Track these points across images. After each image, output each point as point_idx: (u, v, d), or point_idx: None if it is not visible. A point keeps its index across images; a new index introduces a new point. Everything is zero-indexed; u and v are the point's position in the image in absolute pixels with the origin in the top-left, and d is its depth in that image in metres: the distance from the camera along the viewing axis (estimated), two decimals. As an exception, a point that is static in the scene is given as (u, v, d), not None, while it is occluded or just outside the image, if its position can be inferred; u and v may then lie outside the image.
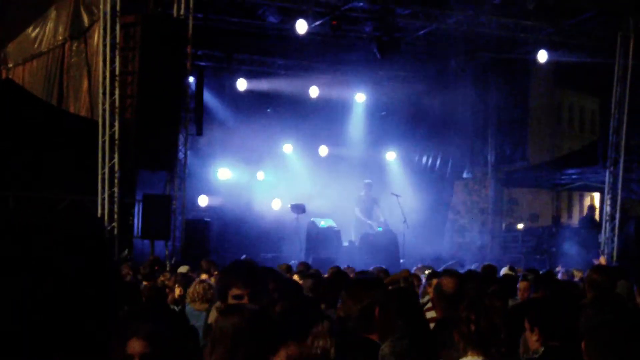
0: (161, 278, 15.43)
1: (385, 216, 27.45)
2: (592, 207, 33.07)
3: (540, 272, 14.16)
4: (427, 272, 17.45)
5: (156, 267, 17.67)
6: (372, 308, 5.66)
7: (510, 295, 11.50)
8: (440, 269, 16.31)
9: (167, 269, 19.57)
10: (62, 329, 1.40)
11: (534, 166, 32.60)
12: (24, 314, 1.38)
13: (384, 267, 16.23)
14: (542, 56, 27.14)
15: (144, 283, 14.03)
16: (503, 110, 32.01)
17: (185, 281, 13.35)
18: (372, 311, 5.65)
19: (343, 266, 17.16)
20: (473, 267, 16.61)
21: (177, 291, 12.81)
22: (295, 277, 12.48)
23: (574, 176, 30.14)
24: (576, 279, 16.39)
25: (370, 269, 16.37)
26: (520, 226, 33.30)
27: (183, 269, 16.51)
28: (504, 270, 16.56)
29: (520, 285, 12.37)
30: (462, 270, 15.09)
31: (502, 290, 10.70)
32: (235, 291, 5.53)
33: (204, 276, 14.20)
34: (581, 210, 34.36)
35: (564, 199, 41.51)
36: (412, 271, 16.76)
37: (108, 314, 1.50)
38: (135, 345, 4.97)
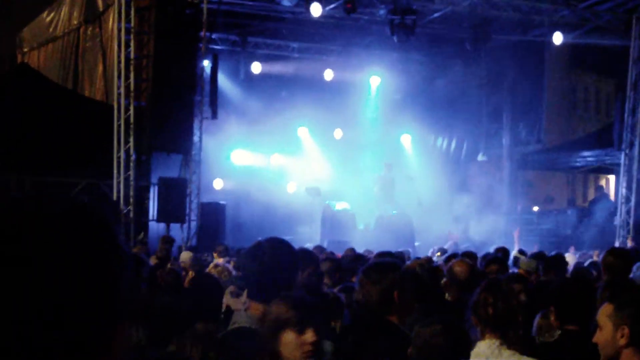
0: (182, 257, 15.51)
1: (400, 198, 27.45)
2: (601, 188, 33.04)
3: (548, 256, 14.08)
4: (437, 254, 17.53)
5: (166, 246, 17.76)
6: (391, 291, 5.67)
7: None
8: (455, 252, 16.30)
9: (183, 250, 19.63)
10: (63, 323, 1.38)
11: (549, 148, 32.49)
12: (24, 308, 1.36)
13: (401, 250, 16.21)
14: (557, 38, 27.02)
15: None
16: (518, 93, 31.91)
17: (199, 265, 13.40)
18: (391, 294, 5.66)
19: (358, 249, 17.20)
20: (492, 250, 16.56)
21: (190, 275, 12.86)
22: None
23: (589, 158, 30.01)
24: (595, 259, 16.32)
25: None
26: (535, 208, 33.22)
27: (186, 255, 16.48)
28: (513, 254, 16.53)
29: (519, 271, 12.35)
30: (477, 253, 15.11)
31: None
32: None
33: (220, 260, 14.23)
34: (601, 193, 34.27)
35: (579, 181, 41.38)
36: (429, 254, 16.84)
37: (116, 302, 1.48)
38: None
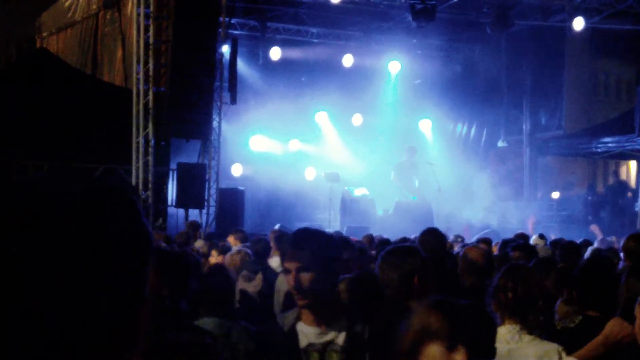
0: (196, 244, 15.46)
1: (420, 184, 27.36)
2: (617, 174, 32.89)
3: (568, 242, 13.97)
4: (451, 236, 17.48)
5: (196, 232, 17.74)
6: (411, 275, 5.62)
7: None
8: (474, 239, 16.26)
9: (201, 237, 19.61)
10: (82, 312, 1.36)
11: (570, 134, 32.33)
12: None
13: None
14: (579, 24, 26.88)
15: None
16: (538, 79, 31.83)
17: (223, 249, 13.35)
18: (411, 279, 5.61)
19: (377, 235, 17.16)
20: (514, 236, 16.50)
21: (214, 259, 12.81)
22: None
23: (610, 144, 29.82)
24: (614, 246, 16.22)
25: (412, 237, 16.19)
26: (555, 195, 33.11)
27: (199, 243, 16.35)
28: (533, 239, 16.47)
29: (540, 252, 12.32)
30: (496, 240, 15.04)
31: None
32: (286, 264, 4.93)
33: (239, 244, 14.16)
34: (617, 180, 34.11)
35: (600, 167, 41.18)
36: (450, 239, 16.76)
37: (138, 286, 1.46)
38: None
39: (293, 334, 4.69)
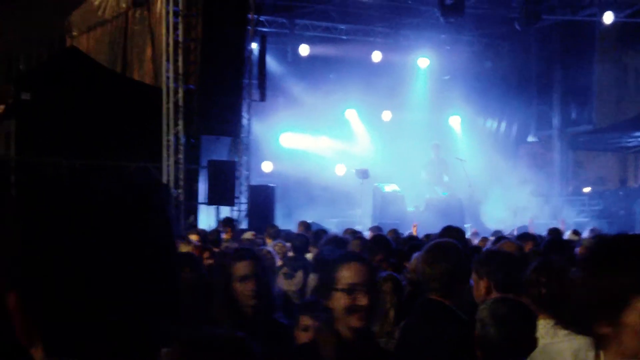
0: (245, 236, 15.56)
1: (450, 180, 27.34)
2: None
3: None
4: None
5: (228, 229, 17.81)
6: (454, 271, 5.58)
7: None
8: (507, 233, 16.21)
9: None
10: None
11: (600, 129, 32.17)
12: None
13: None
14: (608, 18, 26.74)
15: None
16: (568, 73, 31.69)
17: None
18: (454, 275, 5.57)
19: (408, 231, 17.13)
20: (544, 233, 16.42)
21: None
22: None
23: (641, 139, 29.71)
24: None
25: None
26: (586, 190, 32.97)
27: (248, 235, 16.53)
28: (567, 235, 16.41)
29: (580, 249, 12.25)
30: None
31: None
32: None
33: (268, 241, 14.20)
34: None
35: (631, 162, 40.95)
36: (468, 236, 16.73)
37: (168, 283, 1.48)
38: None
39: None
